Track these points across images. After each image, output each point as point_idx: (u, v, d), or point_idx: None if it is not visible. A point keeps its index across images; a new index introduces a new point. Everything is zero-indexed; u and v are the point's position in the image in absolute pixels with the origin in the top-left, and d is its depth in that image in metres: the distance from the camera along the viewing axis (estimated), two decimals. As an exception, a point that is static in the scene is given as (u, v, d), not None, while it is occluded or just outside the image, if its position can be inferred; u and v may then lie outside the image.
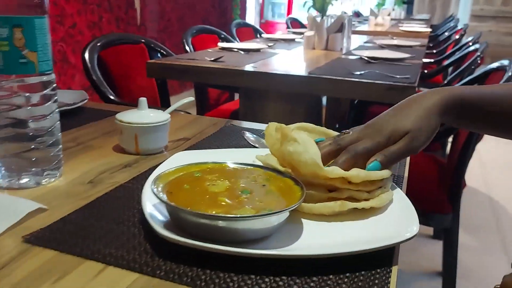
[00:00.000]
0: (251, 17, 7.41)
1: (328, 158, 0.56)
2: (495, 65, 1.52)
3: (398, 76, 1.43)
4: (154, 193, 0.45)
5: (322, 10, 2.08)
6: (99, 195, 0.57)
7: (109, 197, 0.56)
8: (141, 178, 0.62)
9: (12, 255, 0.44)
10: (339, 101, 2.05)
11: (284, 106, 1.58)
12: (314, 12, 2.14)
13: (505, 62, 1.46)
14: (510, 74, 1.33)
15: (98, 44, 1.57)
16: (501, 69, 1.45)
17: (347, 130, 0.60)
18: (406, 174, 0.70)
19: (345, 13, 5.38)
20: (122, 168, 0.66)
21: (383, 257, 0.45)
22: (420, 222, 1.59)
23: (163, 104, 1.82)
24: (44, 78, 0.55)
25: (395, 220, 0.51)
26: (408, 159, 0.76)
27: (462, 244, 1.93)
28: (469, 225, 2.14)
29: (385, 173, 0.54)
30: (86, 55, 1.51)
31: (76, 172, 0.64)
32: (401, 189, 0.62)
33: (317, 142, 0.58)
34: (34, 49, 0.53)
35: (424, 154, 1.69)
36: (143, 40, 1.80)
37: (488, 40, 7.05)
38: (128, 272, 0.42)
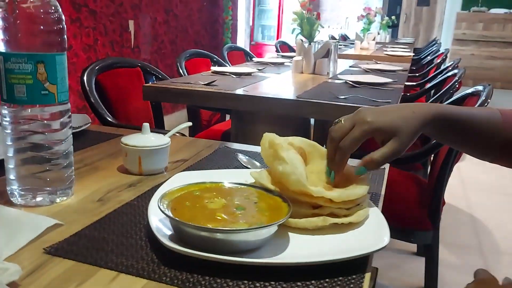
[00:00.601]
0: (242, 39, 7.56)
1: (334, 162, 0.64)
2: (471, 90, 1.62)
3: (380, 101, 1.52)
4: (160, 209, 0.52)
5: (310, 37, 2.18)
6: (108, 211, 0.63)
7: (117, 214, 0.63)
8: (145, 197, 0.69)
9: (35, 265, 0.50)
10: (326, 123, 2.14)
11: (273, 127, 1.65)
12: (302, 38, 2.25)
13: (480, 87, 1.57)
14: (483, 98, 1.43)
15: (96, 67, 1.64)
16: (476, 94, 1.55)
17: (340, 119, 0.67)
18: (383, 192, 0.77)
19: (332, 37, 5.54)
20: (127, 187, 0.73)
21: (358, 265, 0.52)
22: (402, 239, 1.67)
23: (157, 124, 1.89)
24: (62, 107, 0.63)
25: (370, 233, 0.59)
26: (385, 179, 0.84)
27: (444, 261, 2.01)
28: (451, 243, 2.22)
29: (362, 191, 0.62)
30: (85, 78, 1.58)
31: (86, 191, 0.70)
32: (377, 205, 0.70)
33: None
34: (54, 82, 0.61)
35: (407, 174, 1.77)
36: (139, 64, 1.88)
37: (470, 63, 7.26)
38: (138, 279, 0.48)
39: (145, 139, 0.77)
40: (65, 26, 0.62)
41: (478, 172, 3.27)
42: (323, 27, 2.15)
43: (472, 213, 2.60)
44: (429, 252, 1.56)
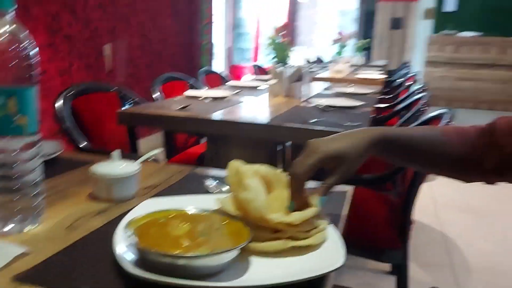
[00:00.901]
0: (220, 62, 7.65)
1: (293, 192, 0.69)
2: (435, 113, 1.70)
3: (349, 124, 1.58)
4: (125, 237, 0.55)
5: (283, 61, 2.25)
6: (77, 239, 0.65)
7: (85, 241, 0.65)
8: (113, 223, 0.71)
9: (3, 293, 0.52)
10: (301, 146, 2.19)
11: (247, 151, 1.69)
12: (276, 62, 2.31)
13: (443, 110, 1.64)
14: (445, 121, 1.50)
15: (71, 93, 1.66)
16: (439, 117, 1.63)
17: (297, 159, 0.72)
18: (344, 213, 0.81)
19: (308, 60, 5.67)
20: (96, 214, 0.75)
21: (316, 285, 0.55)
22: (373, 258, 1.71)
23: (132, 148, 1.90)
24: (32, 138, 0.65)
25: (328, 254, 0.62)
26: (348, 201, 0.88)
27: (416, 280, 2.05)
28: (423, 262, 2.27)
29: (314, 211, 0.66)
30: (59, 104, 1.60)
31: (55, 218, 0.72)
32: (339, 226, 0.73)
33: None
34: (25, 114, 0.63)
35: (378, 195, 1.83)
36: (114, 88, 1.90)
37: (442, 84, 7.49)
38: (104, 305, 0.50)
39: (115, 166, 0.79)
40: (36, 59, 0.64)
41: (450, 191, 3.37)
42: (297, 52, 2.22)
43: (444, 232, 2.67)
44: (400, 271, 1.60)
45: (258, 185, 0.65)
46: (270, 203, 0.67)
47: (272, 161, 1.82)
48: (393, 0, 8.19)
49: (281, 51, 2.23)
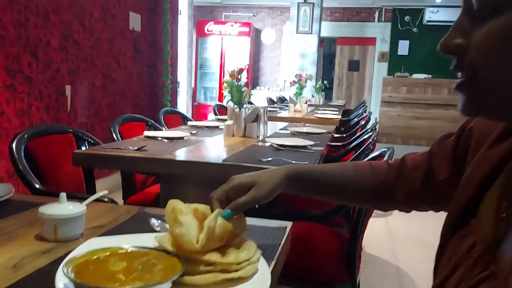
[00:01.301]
0: (183, 101, 7.75)
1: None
2: (378, 151, 1.81)
3: (298, 162, 1.67)
4: (63, 273, 0.59)
5: (239, 103, 2.35)
6: (21, 277, 0.68)
7: (29, 279, 0.68)
8: (58, 262, 0.74)
9: None
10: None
11: (201, 190, 1.74)
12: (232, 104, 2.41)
13: (385, 149, 1.76)
14: (385, 158, 1.62)
15: (26, 135, 1.68)
16: (382, 155, 1.74)
17: None
18: (279, 249, 0.87)
19: (270, 99, 5.83)
20: (42, 254, 0.78)
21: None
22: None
23: (89, 189, 1.92)
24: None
25: (255, 285, 0.68)
26: (286, 236, 0.94)
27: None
28: (377, 295, 2.34)
29: (247, 255, 0.72)
30: (14, 146, 1.61)
31: (0, 259, 0.75)
32: (274, 259, 0.80)
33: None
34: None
35: (329, 230, 1.90)
36: (70, 130, 1.93)
37: (398, 123, 7.81)
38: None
39: (62, 207, 0.83)
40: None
41: (406, 225, 3.49)
42: (252, 94, 2.32)
43: (399, 265, 2.76)
44: (350, 305, 1.66)
45: (191, 220, 0.71)
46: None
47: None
48: (351, 43, 8.63)
49: (237, 93, 2.34)
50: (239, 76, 2.33)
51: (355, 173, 0.83)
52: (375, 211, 3.69)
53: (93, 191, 1.90)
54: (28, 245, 0.82)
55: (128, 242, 0.73)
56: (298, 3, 7.06)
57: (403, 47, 8.22)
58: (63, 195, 0.84)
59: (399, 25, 8.19)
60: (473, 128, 0.67)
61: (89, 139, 1.95)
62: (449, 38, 0.47)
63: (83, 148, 1.89)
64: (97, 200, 0.98)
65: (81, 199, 0.94)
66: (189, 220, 0.70)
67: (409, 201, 0.80)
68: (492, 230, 0.50)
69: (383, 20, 8.30)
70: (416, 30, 8.12)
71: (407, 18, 8.15)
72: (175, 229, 0.68)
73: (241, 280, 0.69)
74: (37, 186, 1.54)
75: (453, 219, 0.57)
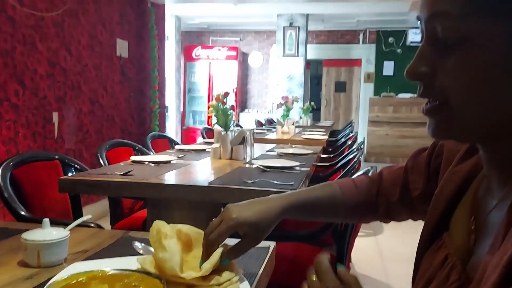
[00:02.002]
0: (172, 125, 7.78)
1: (206, 254, 0.74)
2: (362, 171, 1.84)
3: (283, 183, 1.69)
4: (45, 297, 0.59)
5: (225, 126, 2.37)
6: (1, 304, 0.69)
7: (9, 306, 0.68)
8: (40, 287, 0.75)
9: None
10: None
11: (188, 213, 1.75)
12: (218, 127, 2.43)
13: (368, 168, 1.79)
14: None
15: (11, 163, 1.68)
16: (366, 173, 1.76)
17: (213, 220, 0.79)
18: (261, 270, 0.88)
19: (259, 122, 5.87)
20: (24, 280, 0.78)
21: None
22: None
23: (76, 216, 1.91)
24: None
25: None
26: (268, 257, 0.95)
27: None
28: (369, 314, 2.33)
29: (229, 275, 0.73)
30: (-1, 174, 1.61)
31: (-19, 287, 0.75)
32: (255, 280, 0.80)
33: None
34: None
35: (317, 249, 1.90)
36: (57, 157, 1.94)
37: (386, 142, 7.89)
38: None
39: (44, 233, 0.84)
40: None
41: (397, 244, 3.49)
42: (239, 117, 2.34)
43: (389, 284, 2.76)
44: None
45: (175, 245, 0.72)
46: (189, 260, 0.74)
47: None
48: (337, 65, 8.78)
49: (223, 116, 2.36)
50: (224, 100, 2.36)
51: (342, 193, 0.85)
52: (364, 231, 3.69)
53: (80, 217, 1.89)
54: (11, 272, 0.82)
55: (111, 265, 0.74)
56: (284, 27, 7.20)
57: (388, 67, 8.38)
58: (46, 220, 0.85)
59: (383, 47, 8.37)
60: (444, 145, 0.70)
61: (76, 165, 1.96)
62: (414, 66, 0.50)
63: (70, 174, 1.89)
64: (82, 225, 0.99)
65: (65, 225, 0.94)
66: (173, 245, 0.71)
67: (388, 213, 0.83)
68: (463, 242, 0.52)
69: (367, 42, 8.48)
70: (400, 51, 8.29)
71: (390, 39, 8.33)
72: (159, 254, 0.69)
73: (222, 300, 0.70)
74: (23, 213, 1.54)
75: (427, 233, 0.60)
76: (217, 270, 0.72)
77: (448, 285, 0.49)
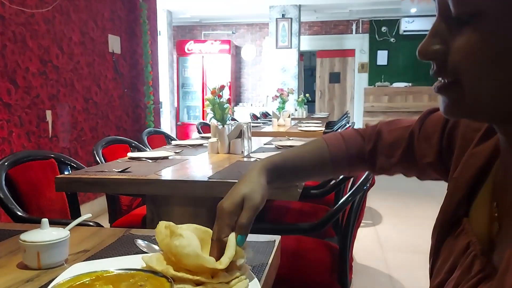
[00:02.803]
0: (167, 121, 7.73)
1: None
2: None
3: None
4: (48, 301, 0.57)
5: (222, 120, 2.34)
6: (2, 309, 0.66)
7: (10, 310, 0.66)
8: (41, 290, 0.72)
9: None
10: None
11: (188, 209, 1.73)
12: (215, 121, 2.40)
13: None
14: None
15: (6, 163, 1.65)
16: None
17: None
18: (270, 261, 0.86)
19: (254, 115, 5.85)
20: (24, 283, 0.76)
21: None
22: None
23: (73, 214, 1.88)
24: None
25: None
26: (275, 250, 0.93)
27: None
28: (371, 304, 2.32)
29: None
30: (-6, 174, 1.57)
31: (-20, 291, 0.72)
32: (263, 273, 0.78)
33: None
34: None
35: (319, 241, 1.89)
36: (52, 155, 1.90)
37: (381, 131, 7.99)
38: None
39: (43, 234, 0.81)
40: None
41: (395, 233, 3.50)
42: (234, 111, 2.32)
43: (390, 274, 2.76)
44: (343, 316, 1.64)
45: (191, 233, 0.70)
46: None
47: (214, 218, 1.86)
48: (331, 56, 8.76)
49: (220, 110, 2.33)
50: (220, 93, 2.33)
51: (330, 149, 0.81)
52: (364, 221, 3.69)
53: (78, 216, 1.86)
54: (10, 274, 0.79)
55: (114, 265, 0.71)
56: (276, 18, 7.16)
57: (382, 57, 8.37)
58: (45, 220, 0.82)
59: (377, 36, 8.35)
60: (460, 120, 0.65)
61: (72, 164, 1.92)
62: (427, 44, 0.48)
63: (66, 173, 1.86)
64: (81, 224, 0.96)
65: (64, 224, 0.92)
66: (189, 232, 0.69)
67: (383, 170, 0.81)
68: (485, 230, 0.50)
69: (360, 32, 8.45)
70: (393, 40, 8.28)
71: (384, 28, 8.31)
72: (175, 242, 0.67)
73: (231, 297, 0.68)
74: (20, 214, 1.51)
75: (447, 219, 0.57)
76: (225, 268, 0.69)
77: (472, 276, 0.47)
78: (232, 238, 0.70)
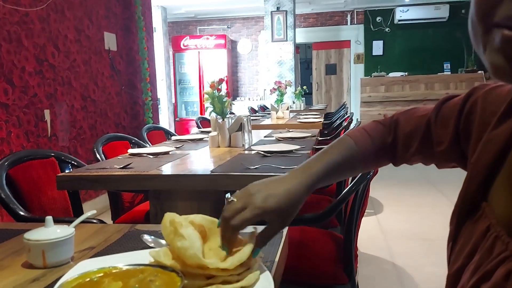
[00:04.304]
0: (165, 117, 7.71)
1: (226, 238, 0.71)
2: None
3: (287, 167, 1.65)
4: (57, 299, 0.56)
5: (222, 113, 2.33)
6: (9, 309, 0.65)
7: (18, 310, 0.65)
8: (48, 289, 0.71)
9: None
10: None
11: (191, 203, 1.72)
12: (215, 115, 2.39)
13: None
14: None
15: (6, 163, 1.63)
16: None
17: (230, 198, 0.75)
18: (278, 255, 0.85)
19: (252, 109, 5.83)
20: (30, 282, 0.74)
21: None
22: (322, 296, 1.71)
23: (76, 213, 1.87)
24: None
25: (259, 293, 0.66)
26: (282, 242, 0.92)
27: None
28: (377, 294, 2.32)
29: (248, 249, 0.69)
30: (-6, 175, 1.56)
31: (-13, 291, 0.71)
32: (272, 265, 0.77)
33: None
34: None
35: (324, 232, 1.89)
36: (52, 154, 1.89)
37: (380, 121, 7.98)
38: None
39: (48, 232, 0.80)
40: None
41: (397, 222, 3.50)
42: (233, 104, 2.30)
43: (394, 261, 2.76)
44: (350, 305, 1.64)
45: (193, 233, 0.68)
46: (205, 252, 0.71)
47: (218, 211, 1.86)
48: (326, 48, 8.72)
49: (219, 103, 2.32)
50: (219, 87, 2.31)
51: (358, 149, 0.80)
52: (367, 210, 3.69)
53: (80, 215, 1.84)
54: (16, 275, 0.78)
55: (121, 261, 0.70)
56: (271, 11, 7.12)
57: (377, 47, 8.34)
58: (49, 218, 0.81)
59: (372, 26, 8.31)
60: (477, 103, 0.64)
61: (73, 162, 1.91)
62: None
63: (67, 171, 1.84)
64: (85, 222, 0.95)
65: (68, 222, 0.90)
66: (191, 232, 0.67)
67: (402, 160, 0.80)
68: (507, 212, 0.48)
69: (355, 23, 8.42)
70: (388, 30, 8.25)
71: (378, 19, 8.28)
72: (177, 243, 0.66)
73: (243, 288, 0.67)
74: (22, 213, 1.49)
75: (466, 205, 0.56)
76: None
77: (493, 257, 0.46)
78: (248, 249, 0.69)
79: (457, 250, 0.55)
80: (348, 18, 8.44)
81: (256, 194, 0.72)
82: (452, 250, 0.57)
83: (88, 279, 0.63)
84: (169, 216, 0.73)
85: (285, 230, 0.98)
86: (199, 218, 0.78)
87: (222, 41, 8.33)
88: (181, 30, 9.00)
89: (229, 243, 0.72)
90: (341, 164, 0.80)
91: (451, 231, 0.58)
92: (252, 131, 2.62)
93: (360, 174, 1.56)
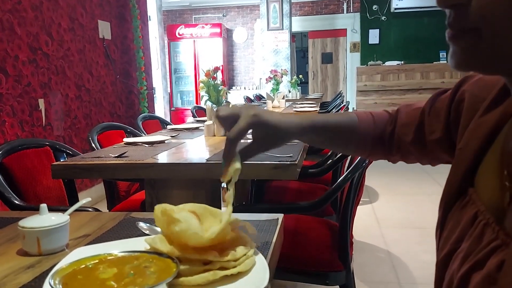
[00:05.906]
0: (161, 106, 7.67)
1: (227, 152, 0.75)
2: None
3: (283, 156, 1.65)
4: (50, 286, 0.56)
5: (217, 102, 2.32)
6: (4, 295, 0.65)
7: (13, 296, 0.65)
8: (43, 276, 0.71)
9: None
10: (243, 181, 2.23)
11: (187, 192, 1.71)
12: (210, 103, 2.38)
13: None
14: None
15: (0, 152, 1.62)
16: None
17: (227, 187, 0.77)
18: (274, 240, 0.85)
19: (248, 98, 5.81)
20: (25, 269, 0.74)
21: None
22: (318, 282, 1.75)
23: (71, 202, 1.86)
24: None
25: (255, 279, 0.66)
26: (278, 229, 0.92)
27: (364, 299, 2.11)
28: (371, 281, 2.35)
29: (244, 250, 0.69)
30: (-12, 164, 1.55)
31: (-19, 279, 0.71)
32: (268, 251, 0.78)
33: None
34: None
35: (319, 220, 1.90)
36: (47, 143, 1.88)
37: (376, 110, 8.01)
38: None
39: (43, 219, 0.79)
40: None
41: (391, 210, 3.52)
42: (229, 92, 2.29)
43: (389, 250, 2.78)
44: (345, 292, 1.65)
45: (188, 215, 0.68)
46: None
47: (214, 200, 1.86)
48: (322, 36, 8.68)
49: (215, 92, 2.31)
50: (215, 75, 2.30)
51: (358, 123, 0.80)
52: (362, 199, 3.70)
53: (76, 203, 1.85)
54: (10, 262, 0.78)
55: (116, 248, 0.70)
56: (267, 0, 7.06)
57: (374, 36, 8.31)
58: (43, 206, 0.81)
59: (368, 15, 8.27)
60: (466, 91, 0.64)
61: (68, 151, 1.90)
62: None
63: (62, 160, 1.84)
64: (80, 210, 0.95)
65: (63, 211, 0.90)
66: (186, 214, 0.68)
67: (398, 152, 0.79)
68: (495, 198, 0.48)
69: (351, 11, 8.37)
70: (384, 18, 8.21)
71: (374, 7, 8.23)
72: (175, 228, 0.66)
73: (240, 275, 0.67)
74: (17, 202, 1.49)
75: (452, 191, 0.56)
76: (232, 246, 0.69)
77: (483, 246, 0.46)
78: (228, 211, 0.71)
79: (445, 237, 0.55)
80: (344, 6, 8.39)
81: (253, 108, 0.75)
82: (440, 236, 0.57)
83: (83, 266, 0.63)
84: (160, 207, 0.72)
85: (280, 218, 0.99)
86: (189, 206, 0.79)
87: (217, 30, 8.27)
88: (176, 18, 8.92)
89: (227, 156, 0.76)
90: (339, 128, 0.80)
91: (439, 218, 0.58)
92: (248, 120, 2.62)
93: (355, 163, 1.56)
